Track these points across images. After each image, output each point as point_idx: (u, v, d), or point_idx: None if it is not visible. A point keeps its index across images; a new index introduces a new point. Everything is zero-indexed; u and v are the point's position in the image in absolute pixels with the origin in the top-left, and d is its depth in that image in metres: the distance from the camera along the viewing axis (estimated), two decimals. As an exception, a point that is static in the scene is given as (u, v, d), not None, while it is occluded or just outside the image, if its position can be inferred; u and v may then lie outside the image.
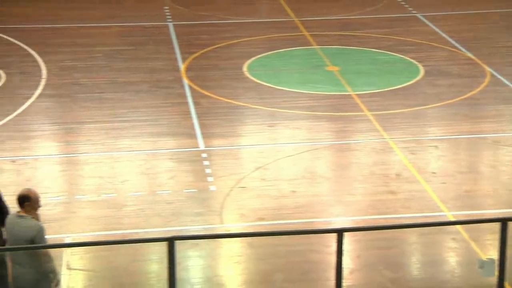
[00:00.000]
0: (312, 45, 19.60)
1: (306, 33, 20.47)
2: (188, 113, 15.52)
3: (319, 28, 20.90)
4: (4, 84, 16.76)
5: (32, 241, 7.80)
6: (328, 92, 16.70)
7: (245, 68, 18.00)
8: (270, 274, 10.20)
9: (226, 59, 18.62)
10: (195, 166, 13.36)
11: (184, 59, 18.48)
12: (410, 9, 22.63)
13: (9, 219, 8.13)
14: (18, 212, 7.98)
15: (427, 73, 17.72)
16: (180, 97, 16.33)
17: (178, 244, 6.39)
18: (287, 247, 10.56)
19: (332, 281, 6.95)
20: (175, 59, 18.49)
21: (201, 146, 14.09)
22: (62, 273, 9.68)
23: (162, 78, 17.36)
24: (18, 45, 19.20)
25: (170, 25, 21.00)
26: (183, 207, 11.96)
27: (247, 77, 17.51)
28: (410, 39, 20.04)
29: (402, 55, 18.92)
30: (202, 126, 14.88)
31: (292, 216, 11.66)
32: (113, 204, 11.98)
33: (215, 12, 22.15)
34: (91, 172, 13.15)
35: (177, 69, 17.86)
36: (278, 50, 19.27)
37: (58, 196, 12.13)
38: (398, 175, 12.98)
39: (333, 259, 7.08)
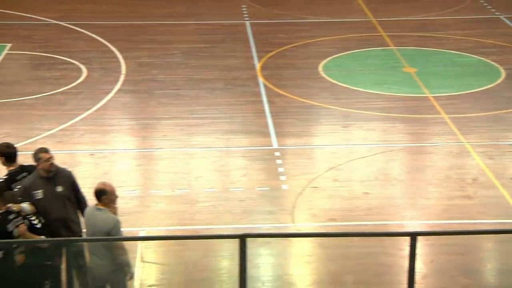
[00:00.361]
0: (389, 46, 19.37)
1: (383, 34, 20.24)
2: (262, 111, 15.58)
3: (397, 28, 20.64)
4: (85, 79, 17.21)
5: (108, 233, 7.99)
6: (404, 94, 16.47)
7: (320, 68, 17.94)
8: (340, 275, 10.14)
9: (302, 59, 18.60)
10: (268, 165, 13.40)
11: (260, 58, 18.56)
12: (492, 10, 22.08)
13: (87, 211, 8.36)
14: (96, 204, 8.19)
15: (508, 76, 17.25)
16: (255, 95, 16.41)
17: (249, 241, 6.43)
18: (358, 248, 10.48)
19: (405, 285, 6.87)
20: (251, 58, 18.59)
21: (275, 144, 14.13)
22: (136, 266, 9.87)
23: (237, 76, 17.49)
24: (99, 41, 19.69)
25: (247, 23, 21.13)
26: (255, 205, 12.02)
27: (323, 77, 17.45)
28: (492, 41, 19.55)
29: (482, 57, 18.49)
30: (276, 124, 14.91)
31: (364, 218, 11.56)
32: (186, 199, 12.15)
33: (292, 12, 22.15)
34: (166, 167, 13.37)
35: (252, 68, 17.96)
36: (354, 50, 19.12)
37: (133, 190, 12.39)
38: (474, 179, 12.69)
39: (405, 263, 6.99)
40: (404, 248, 9.43)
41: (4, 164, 8.85)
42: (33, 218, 8.10)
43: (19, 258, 7.83)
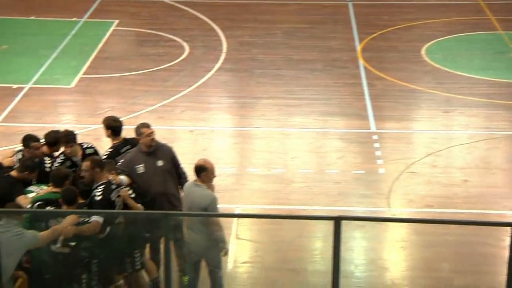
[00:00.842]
0: (497, 30, 18.70)
1: (491, 17, 19.55)
2: (361, 94, 15.41)
3: (506, 12, 19.88)
4: (187, 57, 17.50)
5: (205, 209, 8.13)
6: (510, 80, 15.89)
7: (423, 51, 17.54)
8: (436, 262, 9.96)
9: (405, 41, 18.24)
10: (365, 148, 13.27)
11: (361, 40, 18.32)
12: None
13: (186, 187, 8.53)
14: (195, 180, 8.34)
15: None
16: (354, 77, 16.24)
17: (344, 224, 6.40)
18: (455, 237, 10.26)
19: (504, 277, 6.67)
20: (352, 39, 18.39)
21: (373, 128, 13.96)
22: (231, 242, 10.02)
23: (337, 57, 17.34)
24: (202, 19, 19.96)
25: (350, 4, 20.87)
26: (350, 187, 11.94)
27: (425, 61, 17.06)
28: None
29: None
30: (374, 108, 14.72)
31: (462, 206, 11.28)
32: (282, 179, 12.20)
33: (396, -7, 21.72)
34: (262, 146, 13.47)
35: (353, 49, 17.76)
36: (459, 34, 18.58)
37: (230, 168, 12.55)
38: None
39: (505, 253, 6.78)
40: (504, 238, 9.15)
41: (109, 137, 9.13)
42: (128, 188, 8.34)
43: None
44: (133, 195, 8.30)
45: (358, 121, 14.26)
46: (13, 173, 8.33)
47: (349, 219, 6.76)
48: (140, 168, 8.71)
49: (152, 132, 8.79)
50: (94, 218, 7.68)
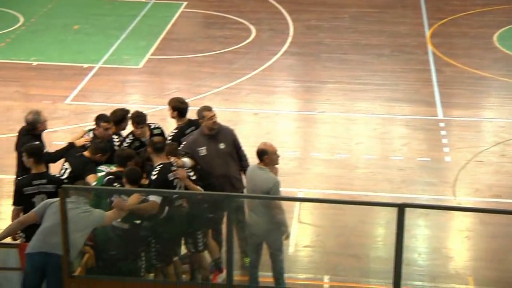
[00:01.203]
0: None
1: None
2: (429, 80, 15.14)
3: None
4: (253, 39, 17.51)
5: (267, 193, 8.15)
6: None
7: (495, 38, 17.09)
8: (502, 253, 9.75)
9: (476, 27, 17.81)
10: (431, 135, 13.05)
11: (430, 25, 17.98)
12: None
13: (249, 169, 8.56)
14: (258, 164, 8.36)
15: None
16: (422, 63, 15.96)
17: (407, 211, 6.32)
18: (522, 228, 10.02)
19: None
20: (421, 24, 18.05)
21: (440, 115, 13.71)
22: (292, 226, 10.02)
23: (405, 43, 17.07)
24: (269, 2, 19.91)
25: (419, -11, 20.50)
26: (415, 175, 11.78)
27: (497, 47, 16.63)
28: None
29: None
30: (442, 94, 14.45)
31: (531, 197, 11.01)
32: (345, 164, 12.12)
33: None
34: (327, 131, 13.39)
35: (422, 35, 17.44)
36: (533, 20, 18.05)
37: (294, 152, 12.53)
38: None
39: None
40: None
41: (174, 118, 9.22)
42: (190, 170, 8.41)
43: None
44: (194, 177, 8.35)
45: (424, 108, 14.03)
46: (86, 153, 8.50)
47: (413, 206, 6.67)
48: (202, 151, 8.78)
49: (214, 116, 8.81)
50: (152, 197, 7.76)
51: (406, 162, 12.13)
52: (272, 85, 15.34)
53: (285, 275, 8.52)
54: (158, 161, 8.17)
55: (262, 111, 14.09)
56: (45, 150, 8.59)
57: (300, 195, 11.01)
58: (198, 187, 8.26)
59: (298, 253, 9.70)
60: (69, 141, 8.90)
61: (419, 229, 10.25)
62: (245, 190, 8.79)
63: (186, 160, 8.44)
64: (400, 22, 18.31)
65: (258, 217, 8.25)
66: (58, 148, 8.91)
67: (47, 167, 8.40)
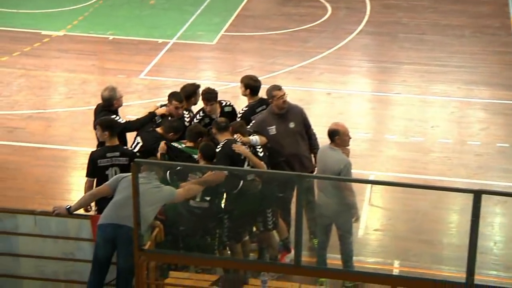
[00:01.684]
0: None
1: None
2: (510, 63, 14.68)
3: None
4: (329, 18, 17.34)
5: (338, 174, 8.07)
6: None
7: None
8: None
9: (563, 9, 17.17)
10: (511, 120, 12.68)
11: (514, 6, 17.43)
12: None
13: (321, 150, 8.50)
14: (330, 144, 8.29)
15: None
16: (505, 45, 15.48)
17: (484, 198, 6.16)
18: None
19: None
20: (506, 5, 17.50)
21: (522, 99, 13.33)
22: (363, 209, 9.93)
23: (488, 24, 16.58)
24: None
25: (504, -32, 19.86)
26: (492, 161, 11.47)
27: None
28: None
29: None
30: (524, 78, 14.03)
31: None
32: (419, 148, 11.91)
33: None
34: (401, 113, 13.18)
35: (506, 16, 16.90)
36: None
37: (366, 133, 12.39)
38: None
39: None
40: None
41: (246, 96, 9.20)
42: (259, 147, 8.39)
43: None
44: (261, 154, 8.33)
45: (505, 92, 13.64)
46: (159, 129, 8.60)
47: (491, 193, 6.48)
48: (272, 130, 8.75)
49: (283, 95, 8.75)
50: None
51: (483, 148, 11.83)
52: (347, 64, 15.18)
53: (354, 258, 8.46)
54: (222, 140, 8.20)
55: (335, 91, 13.97)
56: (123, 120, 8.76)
57: (371, 178, 10.87)
58: (262, 163, 8.23)
59: (368, 236, 9.61)
60: (150, 111, 8.99)
61: (495, 217, 9.99)
62: (315, 171, 8.75)
63: (253, 138, 8.40)
64: (483, 2, 17.80)
65: (328, 198, 8.19)
66: (138, 118, 9.01)
67: (123, 142, 8.53)
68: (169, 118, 8.80)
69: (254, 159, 8.16)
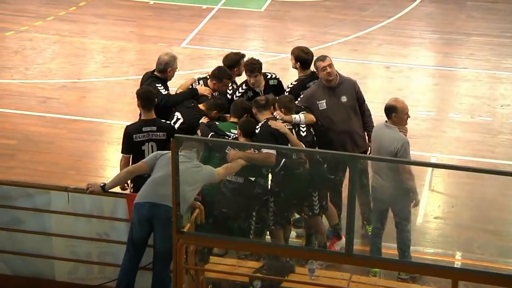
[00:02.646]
0: None
1: None
2: None
3: None
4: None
5: (395, 154, 7.99)
6: None
7: None
8: None
9: None
10: None
11: None
12: None
13: (376, 127, 8.41)
14: (386, 122, 8.20)
15: None
16: None
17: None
18: None
19: None
20: None
21: None
22: (423, 194, 9.85)
23: None
24: None
25: None
26: None
27: None
28: None
29: None
30: None
31: None
32: (487, 129, 11.73)
33: None
34: (467, 90, 12.99)
35: None
36: None
37: (428, 111, 12.24)
38: None
39: None
40: None
41: (297, 69, 9.12)
42: (303, 126, 8.33)
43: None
44: (303, 134, 8.28)
45: None
46: (201, 106, 8.59)
47: None
48: (322, 104, 8.68)
49: (328, 66, 8.63)
50: (265, 150, 7.77)
51: (560, 130, 11.62)
52: (408, 35, 15.01)
53: (411, 247, 8.40)
54: (263, 119, 8.17)
55: (394, 64, 13.83)
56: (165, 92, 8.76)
57: (433, 161, 10.76)
58: (302, 144, 8.17)
59: (427, 224, 9.52)
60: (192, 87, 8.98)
61: None
62: (368, 151, 8.68)
63: (297, 116, 8.34)
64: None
65: (383, 181, 8.10)
66: (180, 92, 8.99)
67: (165, 116, 8.52)
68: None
69: (292, 137, 8.11)
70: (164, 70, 8.94)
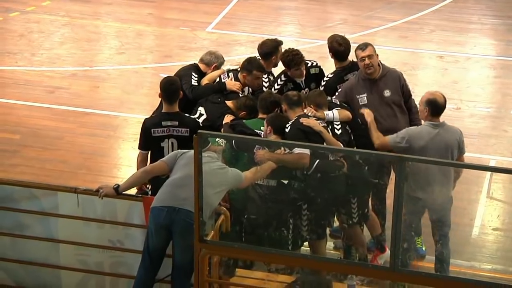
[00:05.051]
0: None
1: None
2: None
3: None
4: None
5: (457, 146, 7.95)
6: None
7: None
8: None
9: None
10: None
11: None
12: None
13: (419, 134, 8.37)
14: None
15: None
16: None
17: None
18: None
19: None
20: None
21: None
22: (479, 202, 9.80)
23: None
24: None
25: None
26: None
27: None
28: None
29: None
30: None
31: None
32: (556, 128, 11.68)
33: None
34: (533, 84, 12.96)
35: None
36: None
37: (487, 108, 12.19)
38: None
39: None
40: None
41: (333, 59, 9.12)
42: (337, 123, 8.33)
43: None
44: (338, 132, 8.27)
45: None
46: (230, 103, 8.61)
47: None
48: (363, 99, 8.66)
49: (368, 56, 8.59)
50: (297, 150, 7.77)
51: None
52: (465, 20, 14.97)
53: (466, 263, 8.36)
54: (294, 117, 8.17)
55: (449, 53, 13.80)
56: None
57: (492, 164, 10.71)
58: (339, 143, 8.17)
59: (484, 237, 9.49)
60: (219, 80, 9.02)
61: None
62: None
63: (331, 113, 8.33)
64: None
65: (436, 187, 8.09)
66: (207, 84, 9.03)
67: (189, 110, 8.56)
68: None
69: (328, 136, 8.11)
70: (208, 64, 9.05)
